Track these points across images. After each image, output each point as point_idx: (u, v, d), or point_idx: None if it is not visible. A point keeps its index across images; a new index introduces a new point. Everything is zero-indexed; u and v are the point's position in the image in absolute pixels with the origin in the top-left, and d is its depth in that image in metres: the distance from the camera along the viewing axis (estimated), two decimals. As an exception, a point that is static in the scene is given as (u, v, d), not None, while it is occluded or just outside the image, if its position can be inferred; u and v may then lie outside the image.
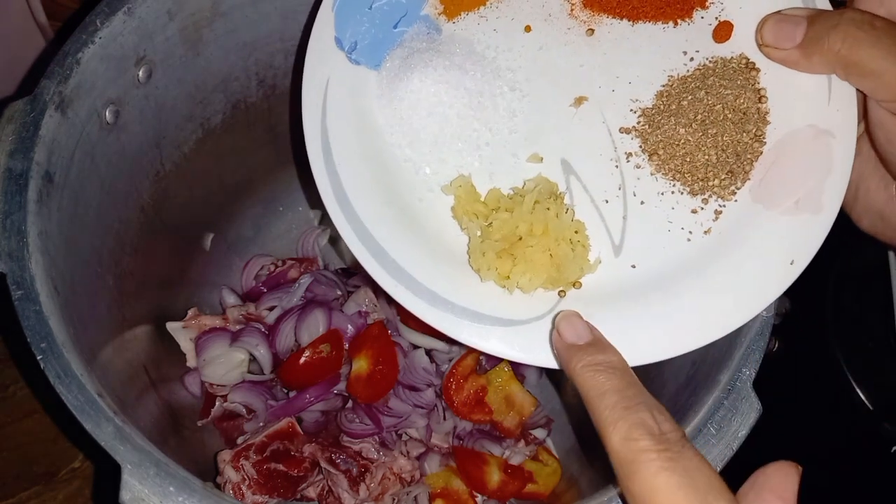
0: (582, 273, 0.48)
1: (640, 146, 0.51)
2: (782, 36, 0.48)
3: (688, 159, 0.49)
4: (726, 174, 0.49)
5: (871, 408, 0.69)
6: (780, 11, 0.49)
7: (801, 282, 0.47)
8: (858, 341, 0.72)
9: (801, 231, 0.47)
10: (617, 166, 0.51)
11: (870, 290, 0.74)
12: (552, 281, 0.47)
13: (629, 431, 0.37)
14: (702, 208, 0.49)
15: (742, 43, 0.52)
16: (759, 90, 0.50)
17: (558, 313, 0.46)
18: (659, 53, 0.52)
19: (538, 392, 0.77)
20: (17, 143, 0.51)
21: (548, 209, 0.47)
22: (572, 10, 0.54)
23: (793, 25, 0.47)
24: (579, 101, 0.52)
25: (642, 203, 0.50)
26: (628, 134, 0.51)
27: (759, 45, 0.50)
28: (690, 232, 0.49)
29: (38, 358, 0.46)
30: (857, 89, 0.48)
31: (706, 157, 0.49)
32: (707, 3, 0.53)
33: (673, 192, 0.50)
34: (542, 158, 0.51)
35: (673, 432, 0.37)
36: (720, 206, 0.49)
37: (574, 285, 0.48)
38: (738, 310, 0.47)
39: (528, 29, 0.54)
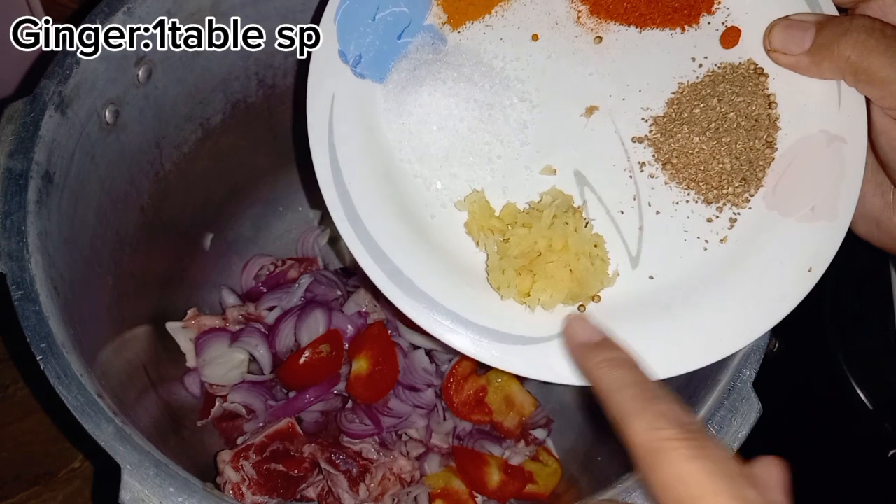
0: (602, 287, 0.47)
1: (654, 155, 0.50)
2: (791, 41, 0.48)
3: (702, 168, 0.49)
4: (740, 182, 0.49)
5: (871, 408, 0.69)
6: (787, 17, 0.49)
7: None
8: (858, 341, 0.72)
9: (818, 238, 0.47)
10: (631, 176, 0.50)
11: (870, 291, 0.74)
12: (573, 296, 0.46)
13: (653, 421, 0.37)
14: (717, 217, 0.49)
15: (749, 48, 0.52)
16: (768, 96, 0.50)
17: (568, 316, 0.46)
18: (668, 60, 0.52)
19: (538, 392, 0.77)
20: (17, 143, 0.51)
21: (566, 223, 0.46)
22: (579, 17, 0.53)
23: (802, 31, 0.47)
24: (590, 110, 0.51)
25: (657, 213, 0.49)
26: (641, 143, 0.51)
27: (768, 51, 0.50)
28: (706, 241, 0.49)
29: (38, 358, 0.46)
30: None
31: (720, 165, 0.49)
32: (713, 9, 0.53)
33: (688, 202, 0.50)
34: (555, 170, 0.50)
35: (694, 423, 0.37)
36: (735, 214, 0.49)
37: (593, 299, 0.47)
38: (758, 319, 0.47)
39: (535, 37, 0.53)
